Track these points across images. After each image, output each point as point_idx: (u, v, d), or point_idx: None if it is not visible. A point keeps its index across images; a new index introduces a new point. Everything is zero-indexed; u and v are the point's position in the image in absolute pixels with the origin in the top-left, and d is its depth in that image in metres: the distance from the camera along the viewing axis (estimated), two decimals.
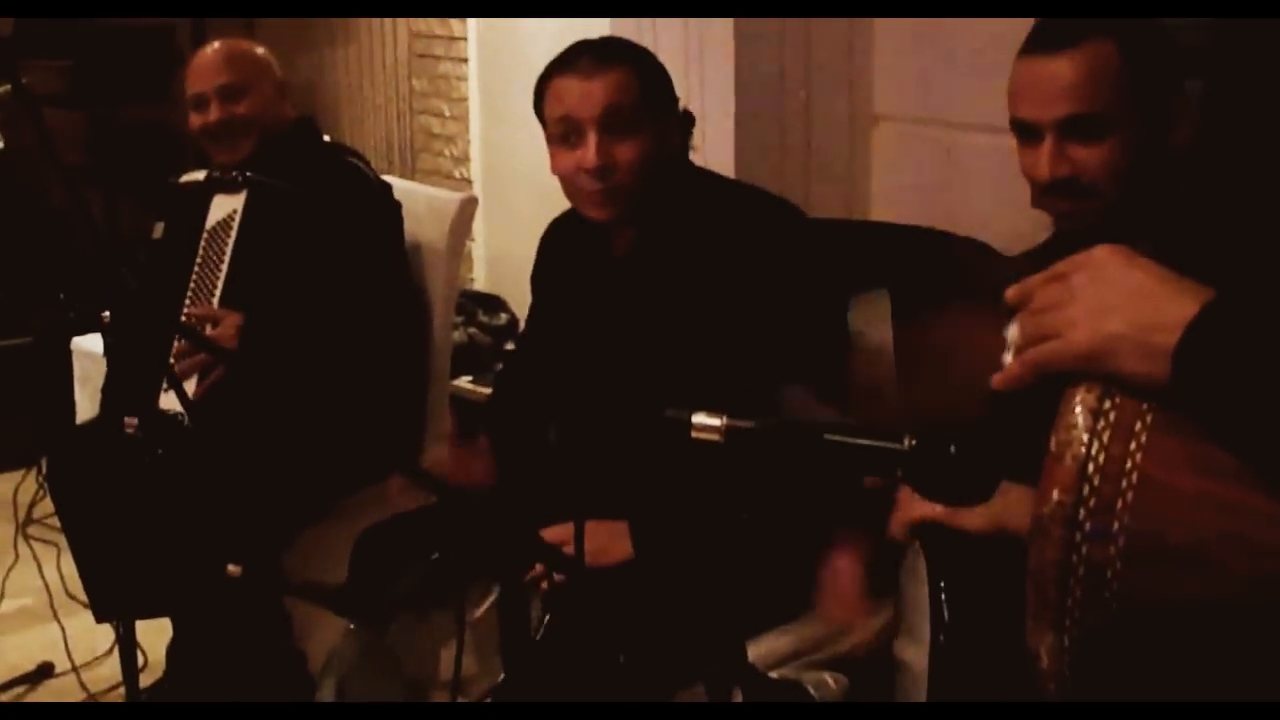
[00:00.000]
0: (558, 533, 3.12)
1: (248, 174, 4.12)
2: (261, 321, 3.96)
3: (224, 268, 4.11)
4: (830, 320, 3.29)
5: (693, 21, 4.20)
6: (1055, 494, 1.66)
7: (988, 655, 2.57)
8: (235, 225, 4.12)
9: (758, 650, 3.13)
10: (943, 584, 2.61)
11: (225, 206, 4.17)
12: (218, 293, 4.09)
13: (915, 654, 2.84)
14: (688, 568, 3.11)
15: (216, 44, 4.38)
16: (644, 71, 3.27)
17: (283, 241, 4.07)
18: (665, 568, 3.11)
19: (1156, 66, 2.71)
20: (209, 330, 3.95)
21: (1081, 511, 1.65)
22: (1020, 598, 1.73)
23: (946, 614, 2.65)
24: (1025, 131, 2.75)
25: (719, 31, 4.17)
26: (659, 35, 4.14)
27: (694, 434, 1.74)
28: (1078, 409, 1.68)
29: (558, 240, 3.60)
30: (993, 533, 2.33)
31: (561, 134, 3.25)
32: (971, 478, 1.65)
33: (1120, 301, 1.70)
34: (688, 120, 3.39)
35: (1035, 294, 1.76)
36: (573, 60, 3.28)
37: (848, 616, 2.99)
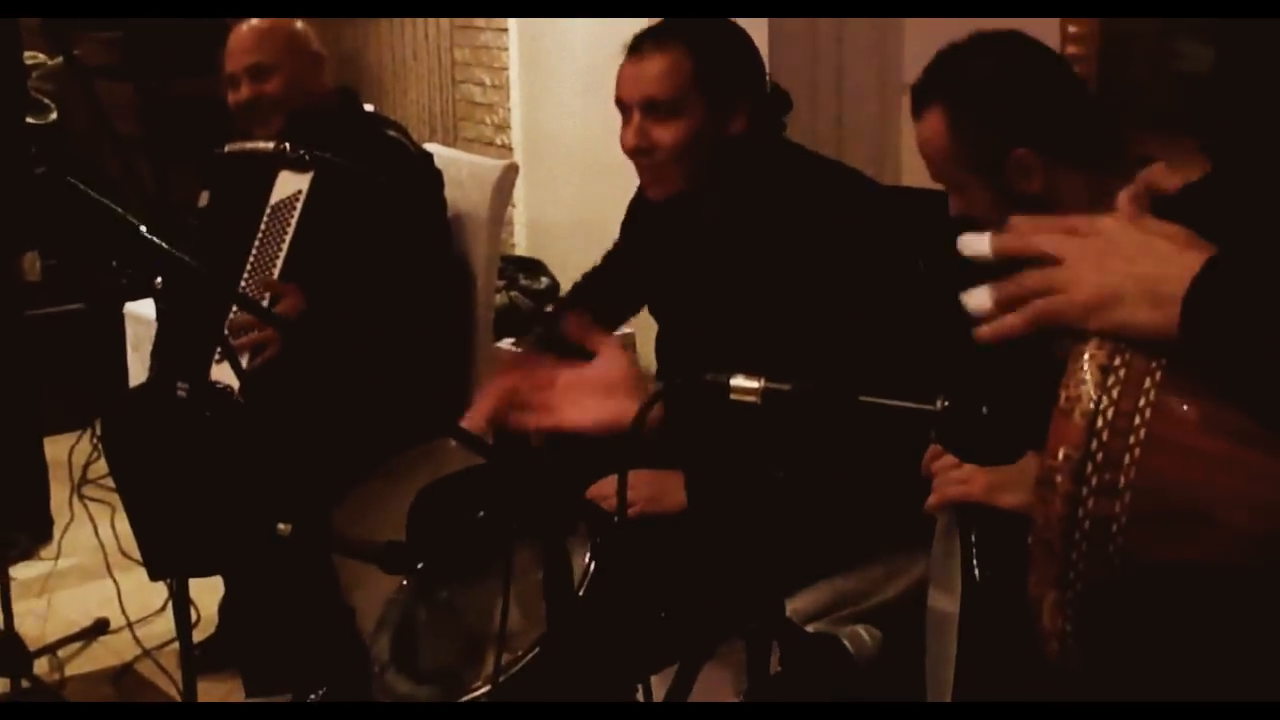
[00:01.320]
0: (609, 483, 3.14)
1: (315, 153, 4.10)
2: (318, 297, 3.97)
3: (285, 245, 4.10)
4: (903, 284, 3.30)
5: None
6: (1063, 450, 1.65)
7: (1017, 612, 2.58)
8: (299, 204, 4.11)
9: (795, 604, 3.14)
10: (974, 541, 2.62)
11: (290, 185, 4.15)
12: (277, 268, 4.09)
13: (947, 605, 2.85)
14: (734, 522, 3.12)
15: (249, 23, 4.37)
16: (701, 53, 3.25)
17: (341, 220, 4.08)
18: (714, 520, 3.13)
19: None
20: (268, 304, 3.97)
21: (1089, 466, 1.64)
22: None
23: (977, 573, 2.66)
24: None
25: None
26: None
27: (732, 395, 1.76)
28: (1086, 365, 1.66)
29: (646, 203, 3.61)
30: (1029, 510, 2.34)
31: (622, 115, 3.30)
32: (1002, 438, 1.65)
33: (1128, 253, 1.68)
34: (777, 97, 3.40)
35: (1035, 246, 1.74)
36: (635, 43, 3.32)
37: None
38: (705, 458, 3.14)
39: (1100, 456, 1.63)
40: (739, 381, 1.75)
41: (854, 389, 1.72)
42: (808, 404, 1.75)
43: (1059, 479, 1.64)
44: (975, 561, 2.58)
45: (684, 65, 3.23)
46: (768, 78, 3.40)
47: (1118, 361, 1.66)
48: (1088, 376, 1.65)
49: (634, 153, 3.28)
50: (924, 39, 4.11)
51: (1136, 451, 1.63)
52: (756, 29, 4.14)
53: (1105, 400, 1.64)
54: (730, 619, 2.28)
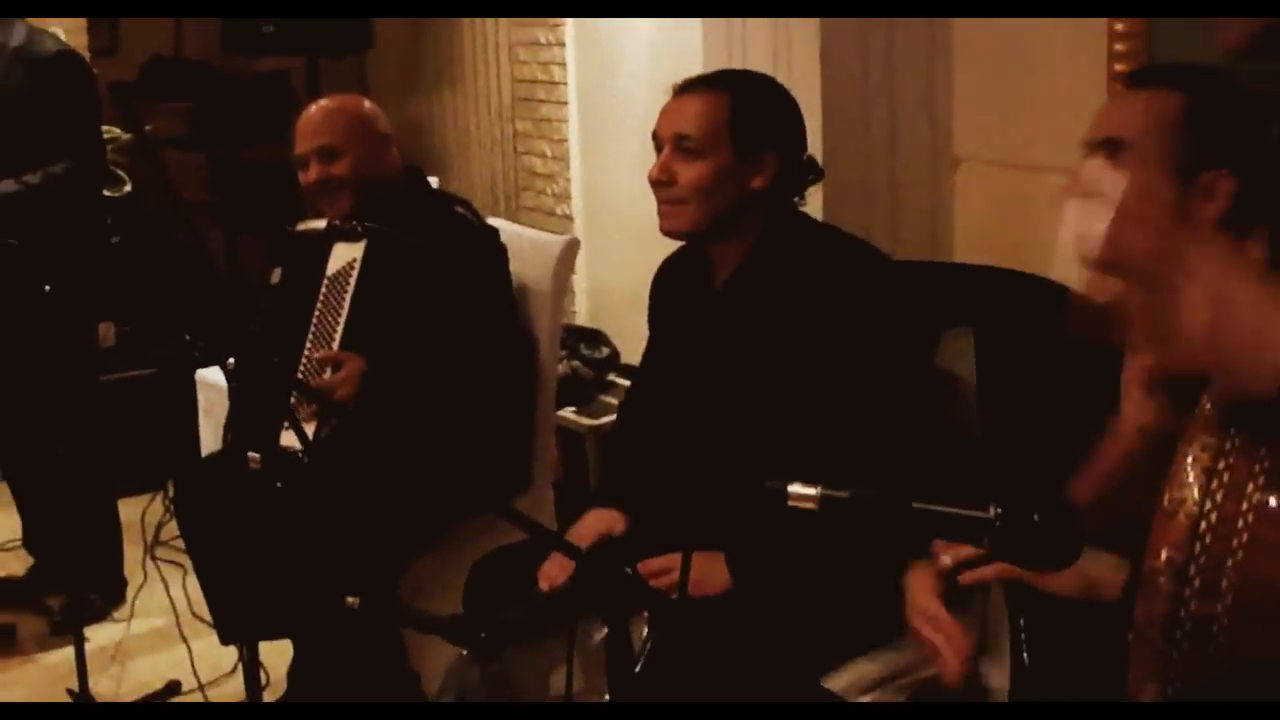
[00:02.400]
0: (659, 561, 3.17)
1: (366, 224, 4.16)
2: (379, 365, 4.00)
3: (343, 314, 4.14)
4: (915, 361, 3.32)
5: (780, 70, 4.22)
6: (1165, 551, 1.65)
7: (1071, 683, 2.59)
8: (354, 273, 4.16)
9: (847, 676, 3.16)
10: (1022, 623, 2.63)
11: (345, 255, 4.20)
12: (337, 338, 4.13)
13: (998, 676, 2.85)
14: (781, 598, 3.14)
15: (319, 103, 4.39)
16: (740, 102, 3.31)
17: (399, 288, 4.11)
18: (760, 598, 3.14)
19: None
20: (329, 374, 4.00)
21: (1192, 568, 1.64)
22: (1100, 651, 1.73)
23: (1025, 648, 2.66)
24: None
25: (805, 76, 4.19)
26: None
27: (790, 502, 1.77)
28: (1190, 468, 1.66)
29: (667, 274, 3.65)
30: (1080, 596, 2.34)
31: (655, 149, 3.37)
32: (1056, 546, 1.66)
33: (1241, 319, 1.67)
34: (808, 167, 3.43)
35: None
36: (683, 84, 3.40)
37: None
38: (749, 543, 3.16)
39: (1203, 559, 1.63)
40: (797, 489, 1.77)
41: (909, 496, 1.73)
42: (862, 510, 1.77)
43: (1162, 580, 1.64)
44: (1025, 646, 2.59)
45: (721, 109, 3.30)
46: (805, 148, 3.43)
47: (1221, 465, 1.65)
48: (1191, 479, 1.65)
49: (656, 184, 3.34)
50: (974, 112, 4.14)
51: (1239, 554, 1.63)
52: (810, 104, 4.17)
53: (1209, 504, 1.64)
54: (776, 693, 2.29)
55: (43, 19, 5.55)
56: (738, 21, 4.44)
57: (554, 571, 3.37)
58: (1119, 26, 3.67)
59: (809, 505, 1.77)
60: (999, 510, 1.67)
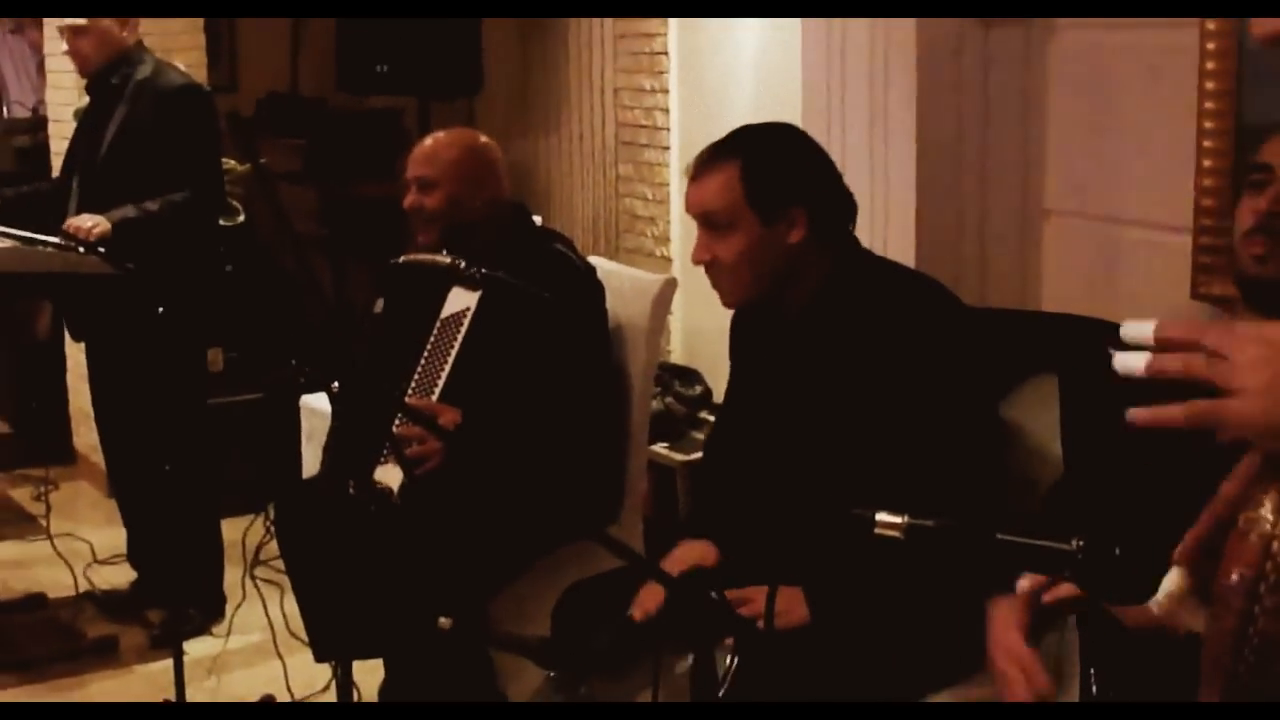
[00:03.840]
0: (742, 591, 3.15)
1: (484, 272, 4.14)
2: (479, 405, 4.01)
3: (451, 358, 4.13)
4: (980, 404, 3.30)
5: (878, 122, 4.22)
6: (1237, 570, 1.63)
7: None
8: (467, 320, 4.16)
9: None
10: (1093, 671, 2.60)
11: (460, 301, 4.18)
12: (442, 380, 4.13)
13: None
14: (861, 631, 3.12)
15: (434, 135, 4.43)
16: (750, 169, 3.29)
17: (506, 333, 4.10)
18: (839, 631, 3.13)
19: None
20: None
21: (1262, 586, 1.63)
22: (1170, 686, 1.71)
23: (1095, 690, 2.64)
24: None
25: (901, 126, 4.19)
26: (847, 133, 4.17)
27: (877, 530, 1.77)
28: (1266, 489, 1.65)
29: (745, 313, 3.65)
30: (1156, 628, 2.32)
31: None
32: (1135, 579, 1.64)
33: None
34: (840, 203, 3.41)
35: (1204, 340, 1.68)
36: (693, 164, 3.40)
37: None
38: (829, 575, 3.14)
39: (1274, 577, 1.62)
40: (884, 517, 1.76)
41: (993, 527, 1.72)
42: (947, 540, 1.76)
43: (1232, 598, 1.62)
44: (1094, 677, 2.56)
45: (733, 182, 3.29)
46: (835, 185, 3.41)
47: None
48: (1266, 500, 1.64)
49: (702, 265, 3.36)
50: (1065, 165, 4.12)
51: None
52: (906, 159, 4.17)
53: None
54: None
55: (164, 54, 5.63)
56: (836, 72, 4.44)
57: (648, 601, 3.36)
58: (1210, 86, 3.65)
59: (895, 534, 1.76)
60: (1080, 543, 1.66)
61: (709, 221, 3.33)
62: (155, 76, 5.30)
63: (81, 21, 5.26)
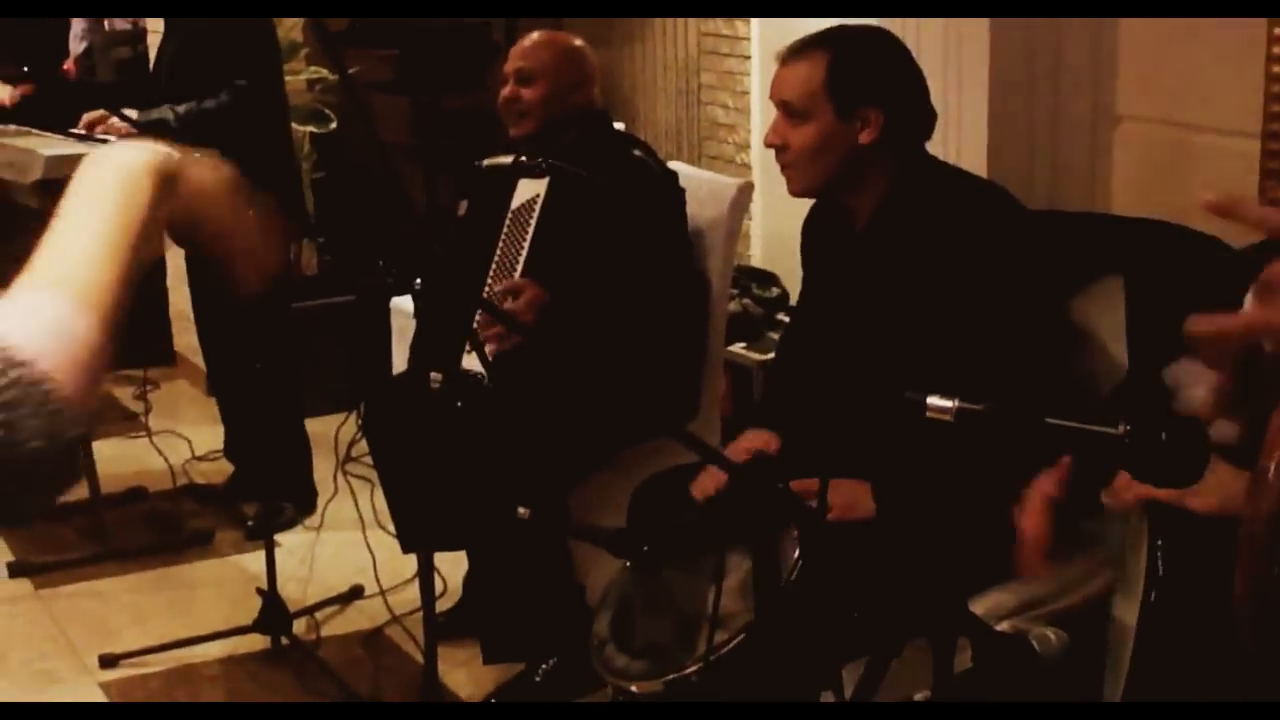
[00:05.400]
0: (805, 484, 3.16)
1: (550, 161, 4.19)
2: (558, 296, 4.03)
3: (525, 246, 4.17)
4: (1042, 303, 3.28)
5: (951, 29, 4.17)
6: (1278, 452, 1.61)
7: (1196, 618, 2.55)
8: (537, 208, 4.19)
9: (983, 604, 3.13)
10: (1160, 543, 2.59)
11: (528, 191, 4.24)
12: (518, 269, 4.16)
13: (1129, 612, 2.82)
14: (923, 527, 3.12)
15: (536, 33, 4.47)
16: (837, 63, 3.28)
17: (579, 224, 4.13)
18: (903, 526, 3.13)
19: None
20: (510, 302, 4.02)
21: None
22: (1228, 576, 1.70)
23: (1161, 570, 2.63)
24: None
25: (973, 34, 4.14)
26: (921, 38, 4.13)
27: (928, 414, 1.76)
28: None
29: (814, 219, 3.65)
30: (1220, 514, 2.31)
31: None
32: (1181, 463, 1.63)
33: None
34: (921, 115, 3.39)
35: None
36: (788, 48, 3.40)
37: (1033, 570, 3.01)
38: (894, 468, 3.14)
39: None
40: (935, 401, 1.76)
41: (1041, 411, 1.72)
42: (996, 424, 1.75)
43: (1271, 477, 1.61)
44: (1160, 561, 2.55)
45: (817, 72, 3.28)
46: (918, 95, 3.38)
47: None
48: None
49: (772, 149, 3.37)
50: (1136, 71, 4.07)
51: None
52: (979, 64, 4.12)
53: None
54: (918, 618, 2.28)
55: None
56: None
57: (707, 483, 3.38)
58: None
59: (946, 417, 1.75)
60: (1128, 427, 1.65)
61: (788, 108, 3.32)
62: None
63: None
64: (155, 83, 5.44)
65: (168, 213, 1.45)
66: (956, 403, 1.75)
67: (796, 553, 3.00)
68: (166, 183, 1.43)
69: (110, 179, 1.39)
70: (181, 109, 5.04)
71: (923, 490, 3.10)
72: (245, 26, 5.21)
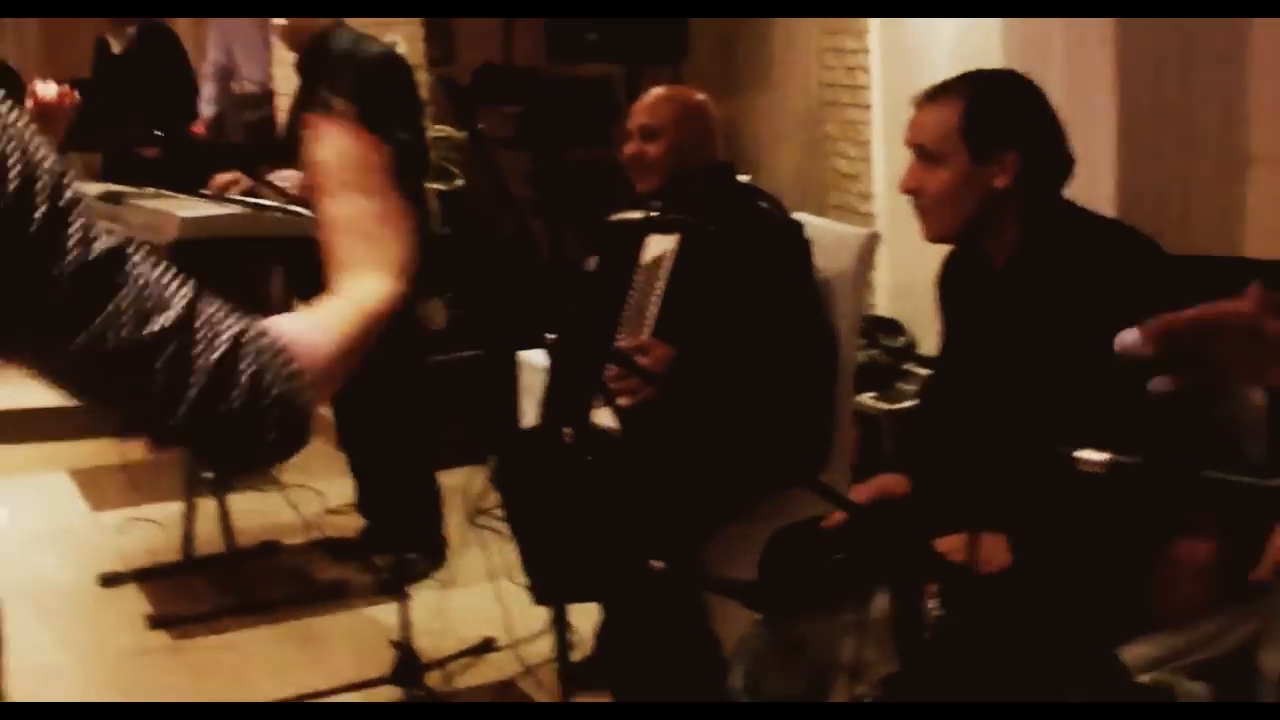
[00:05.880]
0: (947, 542, 3.12)
1: (679, 216, 4.18)
2: (688, 351, 4.02)
3: (655, 301, 4.17)
4: None
5: (1077, 68, 4.14)
6: None
7: None
8: (667, 263, 4.19)
9: (1128, 655, 3.08)
10: None
11: (658, 246, 4.24)
12: (648, 323, 4.16)
13: (1277, 664, 2.77)
14: (1061, 579, 3.07)
15: (657, 89, 4.48)
16: (971, 108, 3.26)
17: (707, 277, 4.13)
18: (1043, 578, 3.08)
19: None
20: (640, 359, 4.02)
21: None
22: None
23: None
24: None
25: (1101, 73, 4.11)
26: (1047, 81, 4.10)
27: (1080, 466, 1.73)
28: None
29: (950, 266, 3.61)
30: None
31: None
32: None
33: None
34: (1059, 160, 3.35)
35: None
36: (923, 93, 3.39)
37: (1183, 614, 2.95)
38: (1035, 518, 3.09)
39: None
40: (1087, 454, 1.72)
41: (1199, 465, 1.68)
42: (1151, 476, 1.71)
43: None
44: None
45: (952, 117, 3.27)
46: (1055, 139, 3.34)
47: None
48: None
49: (908, 193, 3.36)
50: (1270, 113, 4.01)
51: None
52: (1105, 98, 4.08)
53: None
54: (1067, 668, 2.24)
55: (381, 29, 5.67)
56: (1036, 21, 4.36)
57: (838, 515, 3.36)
58: None
59: (1097, 470, 1.72)
60: None
61: (923, 152, 3.31)
62: (353, 49, 5.36)
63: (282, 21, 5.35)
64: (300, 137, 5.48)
65: None
66: (1110, 456, 1.71)
67: (933, 603, 2.96)
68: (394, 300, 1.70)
69: (368, 289, 1.68)
70: None
71: (1066, 541, 3.05)
72: (398, 81, 5.29)
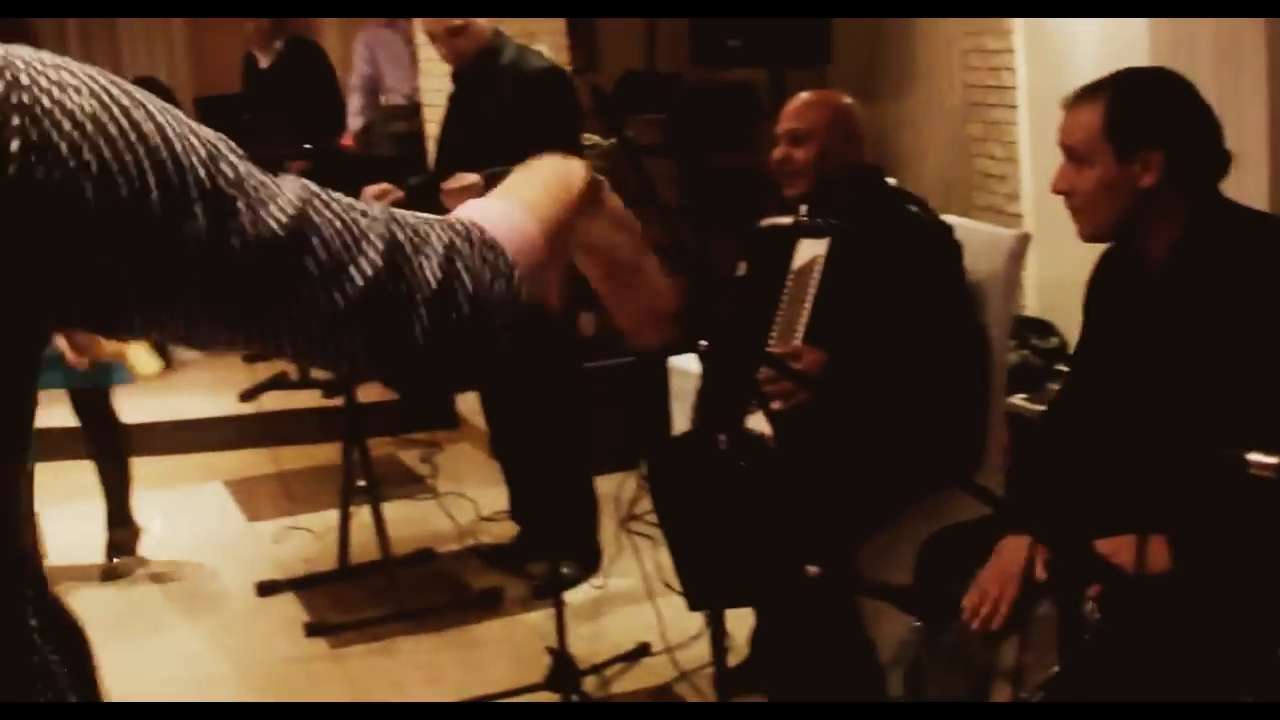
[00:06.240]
0: (1108, 544, 3.08)
1: (830, 220, 4.17)
2: (841, 355, 4.01)
3: (807, 306, 4.17)
4: None
5: (1226, 66, 4.08)
6: None
7: None
8: (818, 268, 4.19)
9: None
10: None
11: (809, 251, 4.24)
12: (801, 328, 4.16)
13: None
14: (1225, 581, 3.02)
15: (805, 93, 4.48)
16: (1116, 107, 3.22)
17: (859, 281, 4.12)
18: (1206, 581, 3.04)
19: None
20: (793, 364, 4.01)
21: None
22: None
23: None
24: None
25: (1252, 68, 4.05)
26: (1196, 79, 4.05)
27: (1250, 470, 1.71)
28: None
29: (1104, 267, 3.57)
30: None
31: None
32: None
33: None
34: (1212, 157, 3.29)
35: None
36: (1070, 94, 3.35)
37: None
38: (1194, 521, 3.04)
39: None
40: (1257, 457, 1.70)
41: None
42: None
43: None
44: None
45: (1096, 117, 3.23)
46: (1207, 136, 3.28)
47: None
48: None
49: (1059, 194, 3.34)
50: None
51: None
52: (1255, 92, 4.02)
53: None
54: (1231, 671, 2.21)
55: (526, 38, 5.71)
56: (1183, 21, 4.30)
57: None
58: None
59: (1267, 474, 1.69)
60: None
61: (1071, 153, 3.29)
62: (516, 62, 5.40)
63: (458, 21, 5.36)
64: (457, 148, 5.52)
65: (589, 222, 1.59)
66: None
67: (1091, 606, 2.93)
68: (594, 189, 1.58)
69: (557, 163, 1.58)
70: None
71: (1230, 543, 3.01)
72: (560, 95, 5.33)
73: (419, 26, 6.97)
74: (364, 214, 1.32)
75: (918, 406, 3.97)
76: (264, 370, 7.84)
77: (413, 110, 8.02)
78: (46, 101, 1.16)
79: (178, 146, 1.23)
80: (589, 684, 4.70)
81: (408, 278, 1.31)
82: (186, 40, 11.20)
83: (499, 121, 5.32)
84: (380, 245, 1.30)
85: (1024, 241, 4.42)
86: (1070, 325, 5.72)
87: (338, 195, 1.33)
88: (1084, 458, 3.46)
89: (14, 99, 1.15)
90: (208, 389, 8.03)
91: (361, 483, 5.64)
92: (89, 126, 1.18)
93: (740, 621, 4.56)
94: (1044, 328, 5.91)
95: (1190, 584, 3.02)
